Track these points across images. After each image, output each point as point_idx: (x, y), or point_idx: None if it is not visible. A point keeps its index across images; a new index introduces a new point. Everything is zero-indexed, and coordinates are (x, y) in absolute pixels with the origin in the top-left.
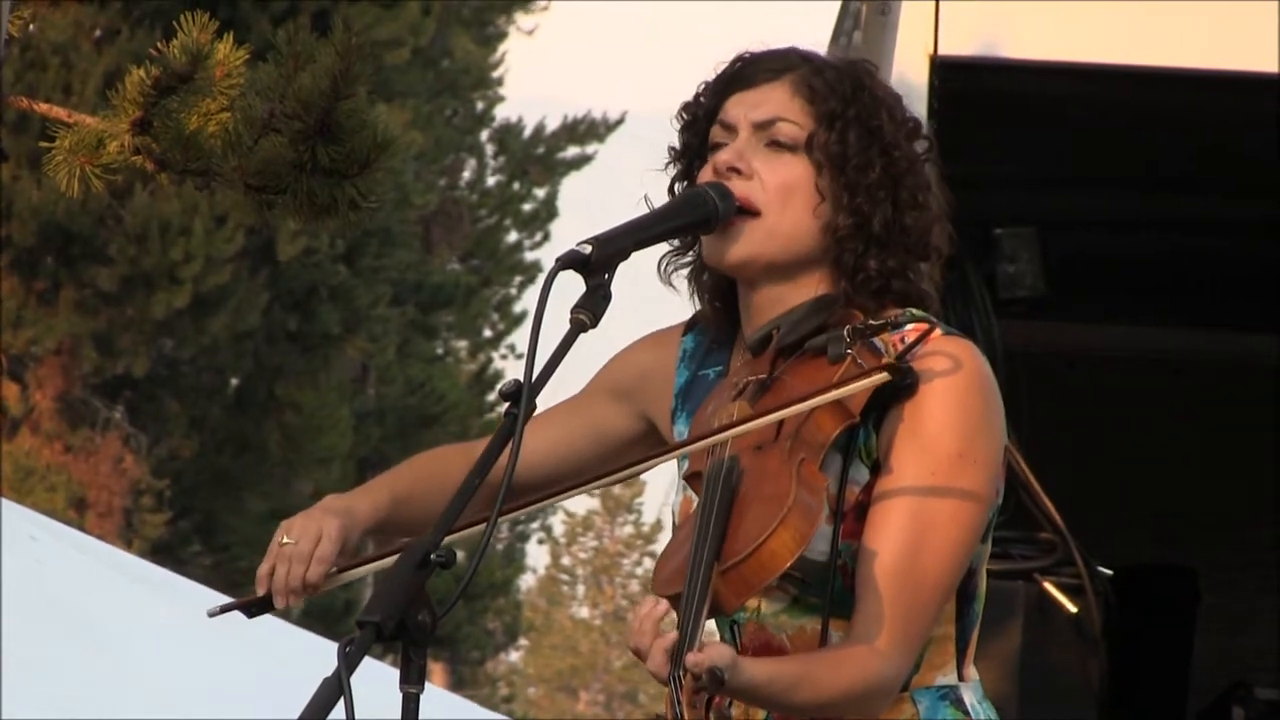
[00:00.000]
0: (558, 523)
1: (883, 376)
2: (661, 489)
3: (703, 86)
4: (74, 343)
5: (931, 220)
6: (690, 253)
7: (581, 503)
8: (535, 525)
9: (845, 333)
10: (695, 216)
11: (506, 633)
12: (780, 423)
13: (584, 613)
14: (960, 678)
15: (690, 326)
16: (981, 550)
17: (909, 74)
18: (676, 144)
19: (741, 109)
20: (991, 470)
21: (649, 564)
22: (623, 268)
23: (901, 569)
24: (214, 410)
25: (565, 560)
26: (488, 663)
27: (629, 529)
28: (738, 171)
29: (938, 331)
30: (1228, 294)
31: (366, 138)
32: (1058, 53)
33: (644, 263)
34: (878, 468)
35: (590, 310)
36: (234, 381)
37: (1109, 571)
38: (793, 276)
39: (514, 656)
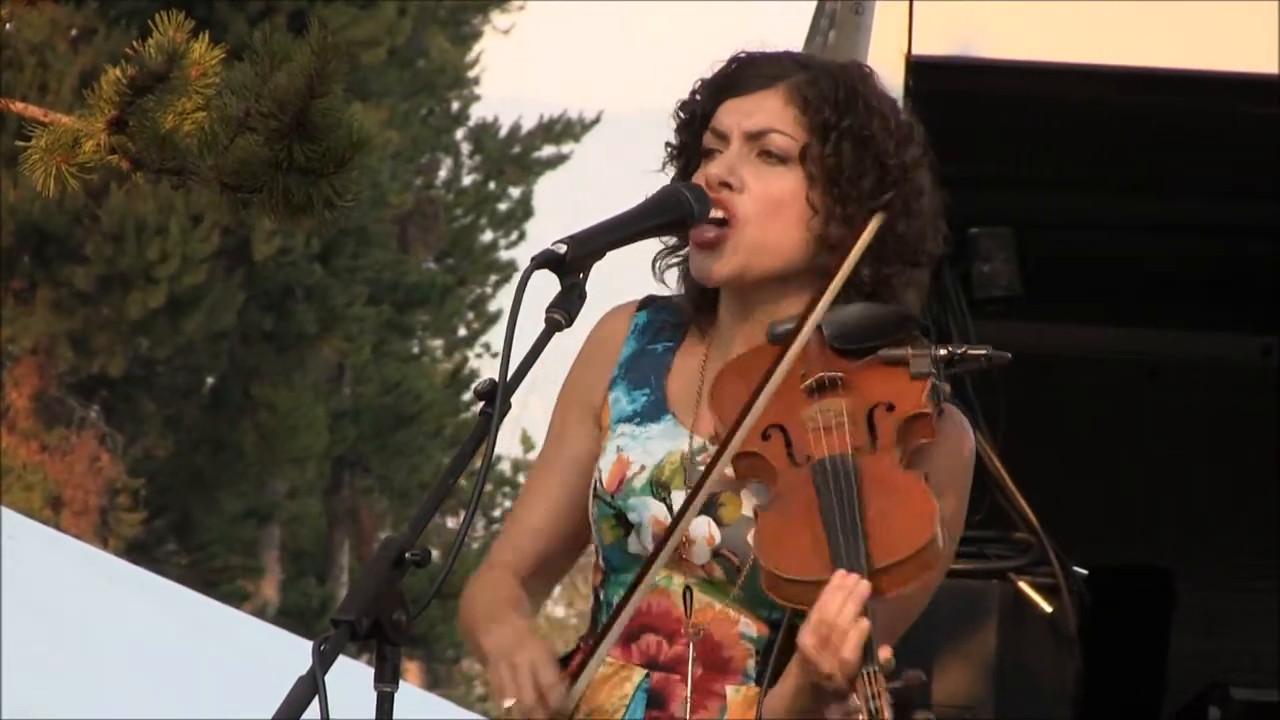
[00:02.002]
0: None
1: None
2: None
3: (699, 84)
4: (50, 342)
5: (924, 226)
6: (683, 251)
7: None
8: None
9: (933, 357)
10: (670, 216)
11: None
12: (872, 427)
13: (560, 612)
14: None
15: (645, 304)
16: None
17: (884, 74)
18: (674, 141)
19: (734, 118)
20: (956, 537)
21: None
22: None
23: (910, 608)
24: (189, 410)
25: None
26: (463, 662)
27: None
28: (728, 186)
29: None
30: (1205, 295)
31: (342, 136)
32: (1033, 52)
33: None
34: None
35: (565, 310)
36: (209, 381)
37: (1084, 572)
38: (784, 285)
39: None
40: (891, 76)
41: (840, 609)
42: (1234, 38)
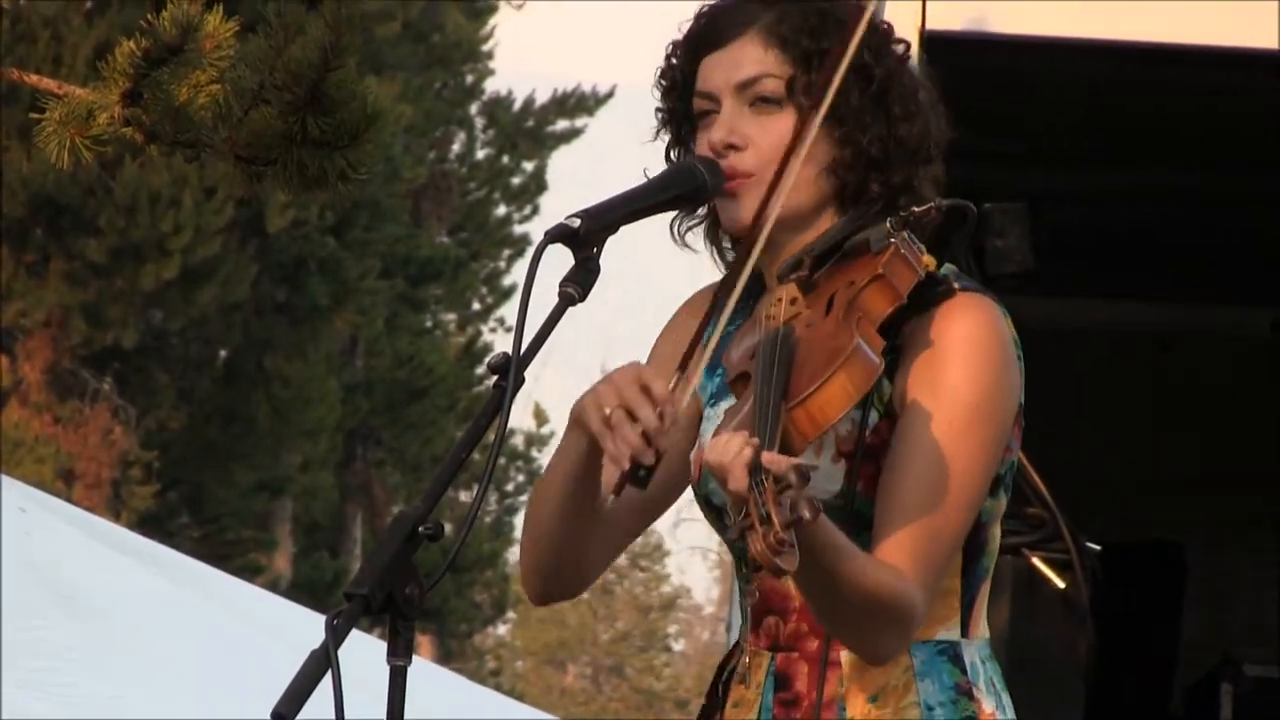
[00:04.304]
0: None
1: (930, 259)
2: None
3: (672, 49)
4: (63, 314)
5: (926, 121)
6: (700, 211)
7: None
8: (524, 498)
9: (888, 223)
10: (684, 189)
11: (494, 606)
12: (830, 302)
13: None
14: (964, 634)
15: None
16: (993, 505)
17: None
18: (662, 109)
19: (719, 74)
20: (1005, 426)
21: (637, 539)
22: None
23: (921, 511)
24: (203, 382)
25: None
26: (475, 636)
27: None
28: (733, 147)
29: (957, 286)
30: (1216, 269)
31: (356, 109)
32: (1047, 27)
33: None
34: (890, 415)
35: (579, 284)
36: (223, 353)
37: (1097, 547)
38: (808, 222)
39: (502, 630)
40: None
41: (724, 445)
42: (1245, 12)
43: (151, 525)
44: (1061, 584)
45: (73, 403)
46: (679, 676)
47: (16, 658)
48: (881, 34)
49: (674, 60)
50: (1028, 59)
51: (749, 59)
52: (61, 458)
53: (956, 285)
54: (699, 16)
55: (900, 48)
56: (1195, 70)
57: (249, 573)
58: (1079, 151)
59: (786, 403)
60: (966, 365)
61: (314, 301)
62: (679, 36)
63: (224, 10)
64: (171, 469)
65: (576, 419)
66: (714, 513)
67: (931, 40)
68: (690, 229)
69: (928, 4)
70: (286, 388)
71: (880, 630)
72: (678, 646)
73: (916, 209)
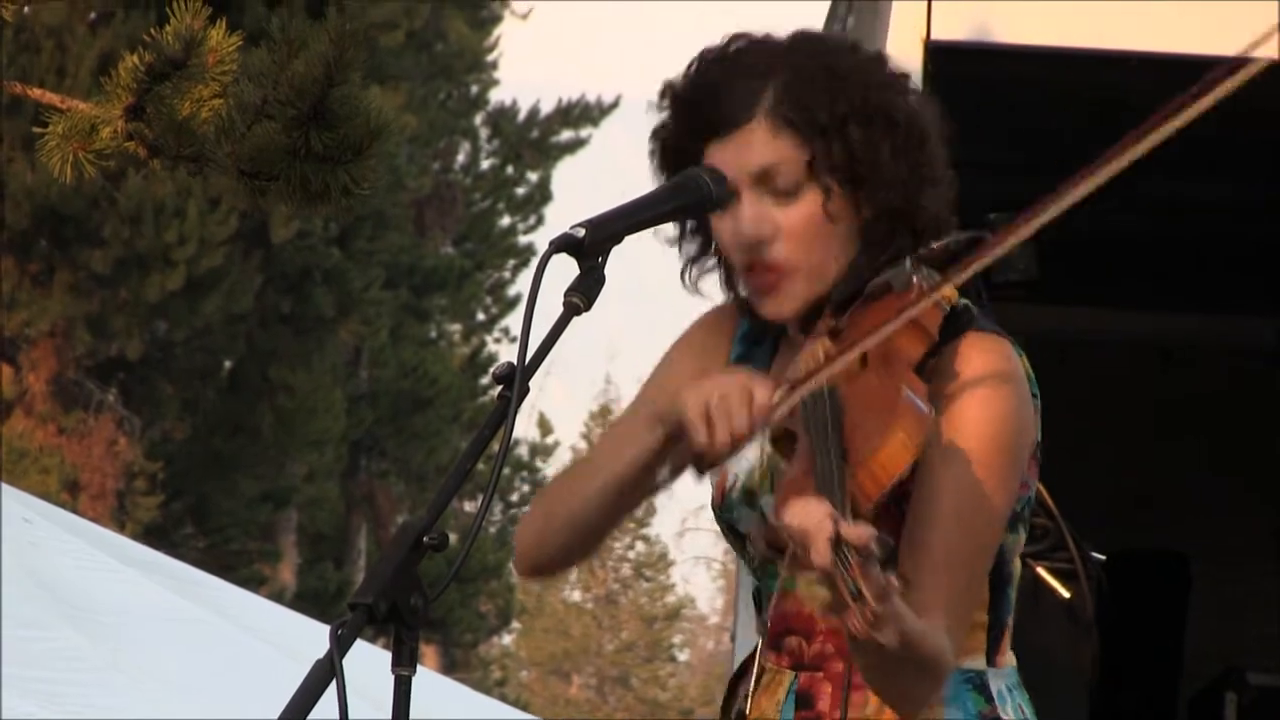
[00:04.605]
0: None
1: (951, 291)
2: None
3: (667, 125)
4: (67, 325)
5: (936, 142)
6: (709, 255)
7: None
8: (528, 509)
9: (907, 262)
10: (689, 199)
11: (499, 616)
12: (864, 356)
13: (576, 596)
14: (990, 663)
15: (743, 309)
16: (1013, 540)
17: (902, 59)
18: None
19: (730, 162)
20: (1022, 463)
21: (641, 547)
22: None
23: (952, 561)
24: (207, 393)
25: None
26: (480, 646)
27: None
28: (765, 243)
29: (974, 328)
30: (1222, 278)
31: (360, 124)
32: (1051, 37)
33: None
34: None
35: (583, 293)
36: (227, 364)
37: (1101, 557)
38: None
39: (506, 640)
40: (910, 62)
41: (803, 510)
42: (1248, 23)
43: (156, 536)
44: (1066, 593)
45: (77, 413)
46: (684, 686)
47: (20, 668)
48: (873, 63)
49: (671, 136)
50: (1032, 69)
51: (760, 147)
52: (66, 468)
53: (976, 315)
54: (696, 89)
55: (895, 74)
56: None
57: (253, 583)
58: (1083, 161)
59: (848, 465)
60: (985, 406)
61: (318, 312)
62: (665, 111)
63: (227, 24)
64: (176, 480)
65: (669, 408)
66: (737, 539)
67: (936, 50)
68: (703, 275)
69: (932, 14)
70: (291, 398)
71: (922, 687)
72: (682, 656)
73: (935, 244)
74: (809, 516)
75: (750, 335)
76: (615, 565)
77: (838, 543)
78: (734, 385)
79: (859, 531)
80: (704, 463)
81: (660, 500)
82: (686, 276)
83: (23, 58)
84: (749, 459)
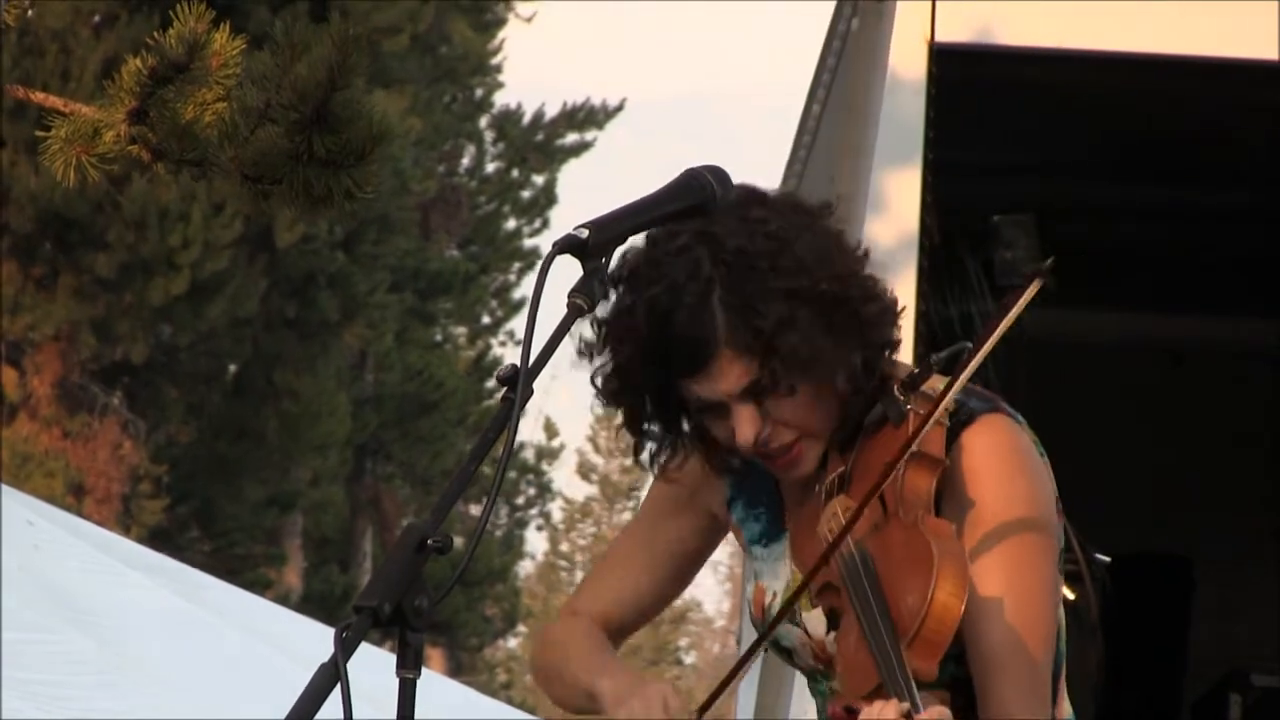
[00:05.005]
0: (556, 509)
1: (948, 404)
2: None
3: (626, 362)
4: (72, 329)
5: (879, 296)
6: (679, 451)
7: (580, 489)
8: (534, 511)
9: (896, 390)
10: (693, 200)
11: (505, 619)
12: (882, 498)
13: None
14: (1054, 716)
15: None
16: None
17: (906, 62)
18: (638, 416)
19: (710, 390)
20: (1053, 526)
21: None
22: None
23: (1017, 658)
24: (212, 397)
25: (564, 547)
26: (486, 649)
27: (627, 515)
28: (777, 441)
29: (969, 424)
30: (1226, 281)
31: (363, 128)
32: (1055, 40)
33: None
34: None
35: (587, 294)
36: (232, 368)
37: (1106, 559)
38: None
39: (512, 643)
40: (914, 64)
41: None
42: (1251, 24)
43: (161, 539)
44: (1071, 595)
45: (82, 417)
46: (690, 690)
47: (25, 672)
48: (792, 234)
49: (634, 374)
50: (1037, 71)
51: (734, 372)
52: (71, 472)
53: (968, 404)
54: (647, 342)
55: (821, 239)
56: (1207, 82)
57: (259, 587)
58: (1089, 163)
59: (902, 640)
60: (1000, 485)
61: (323, 316)
62: (615, 358)
63: (231, 28)
64: (181, 483)
65: (608, 715)
66: (784, 654)
67: (941, 53)
68: (676, 467)
69: (936, 17)
70: (296, 402)
71: None
72: (689, 659)
73: (918, 372)
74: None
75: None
76: None
77: None
78: (656, 709)
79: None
80: None
81: None
82: (652, 467)
83: (26, 61)
84: (784, 570)
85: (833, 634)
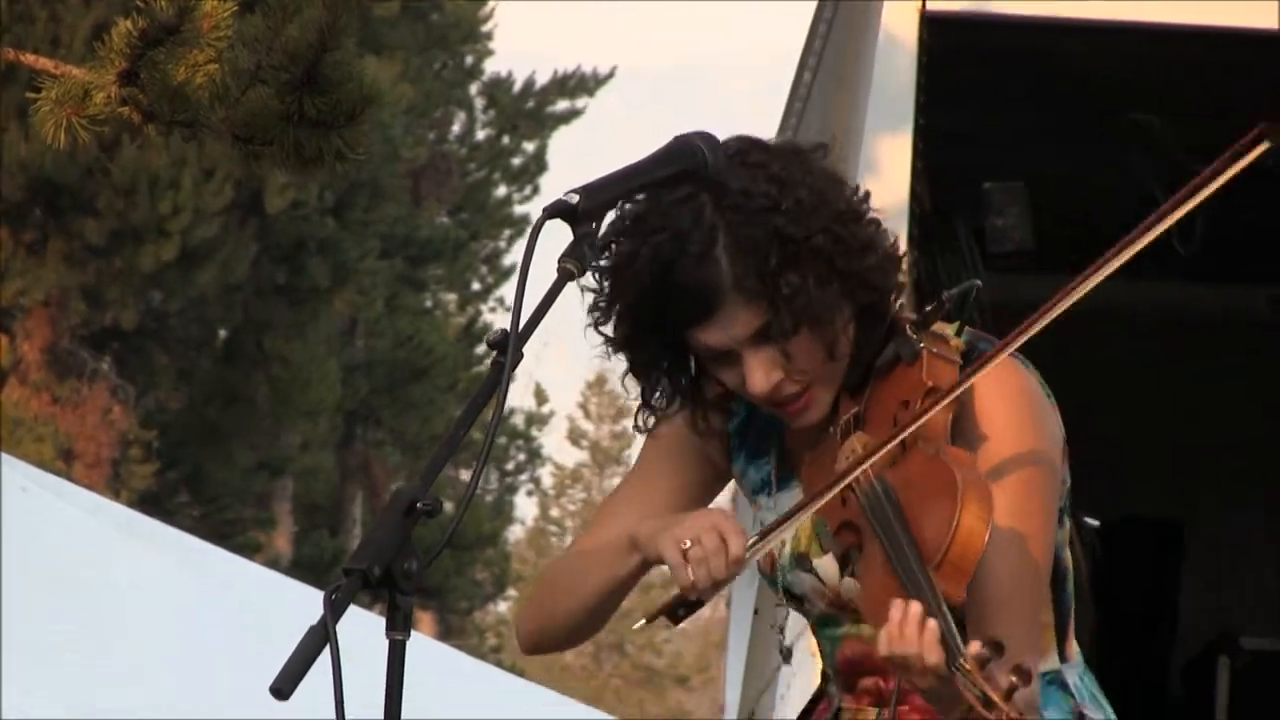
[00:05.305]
0: (546, 474)
1: (957, 340)
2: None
3: (633, 320)
4: (62, 294)
5: (879, 242)
6: (675, 401)
7: (570, 455)
8: (524, 477)
9: (909, 328)
10: (683, 165)
11: (495, 584)
12: (895, 430)
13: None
14: (1062, 658)
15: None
16: (1061, 533)
17: (898, 29)
18: (642, 363)
19: (720, 338)
20: (1057, 468)
21: None
22: None
23: (1018, 592)
24: (202, 362)
25: (554, 512)
26: (476, 613)
27: (617, 480)
28: (789, 387)
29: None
30: (1215, 248)
31: (353, 89)
32: (1046, 7)
33: None
34: None
35: (577, 259)
36: (222, 334)
37: (1095, 523)
38: None
39: (502, 607)
40: (906, 31)
41: (900, 636)
42: None
43: (151, 504)
44: None
45: (71, 382)
46: (680, 653)
47: (18, 636)
48: (795, 174)
49: (639, 326)
50: (1028, 38)
51: (743, 319)
52: (60, 437)
53: (977, 345)
54: (652, 294)
55: (817, 161)
56: (1196, 50)
57: (249, 551)
58: (1079, 131)
59: (928, 565)
60: (1008, 426)
61: (314, 282)
62: (619, 312)
63: None
64: (171, 449)
65: (646, 544)
66: (795, 600)
67: (932, 20)
68: (666, 417)
69: None
70: (286, 368)
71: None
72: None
73: (929, 309)
74: (908, 636)
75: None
76: None
77: (950, 653)
78: (708, 530)
79: (972, 643)
80: (684, 606)
81: None
82: (642, 423)
83: (18, 27)
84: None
85: (847, 578)
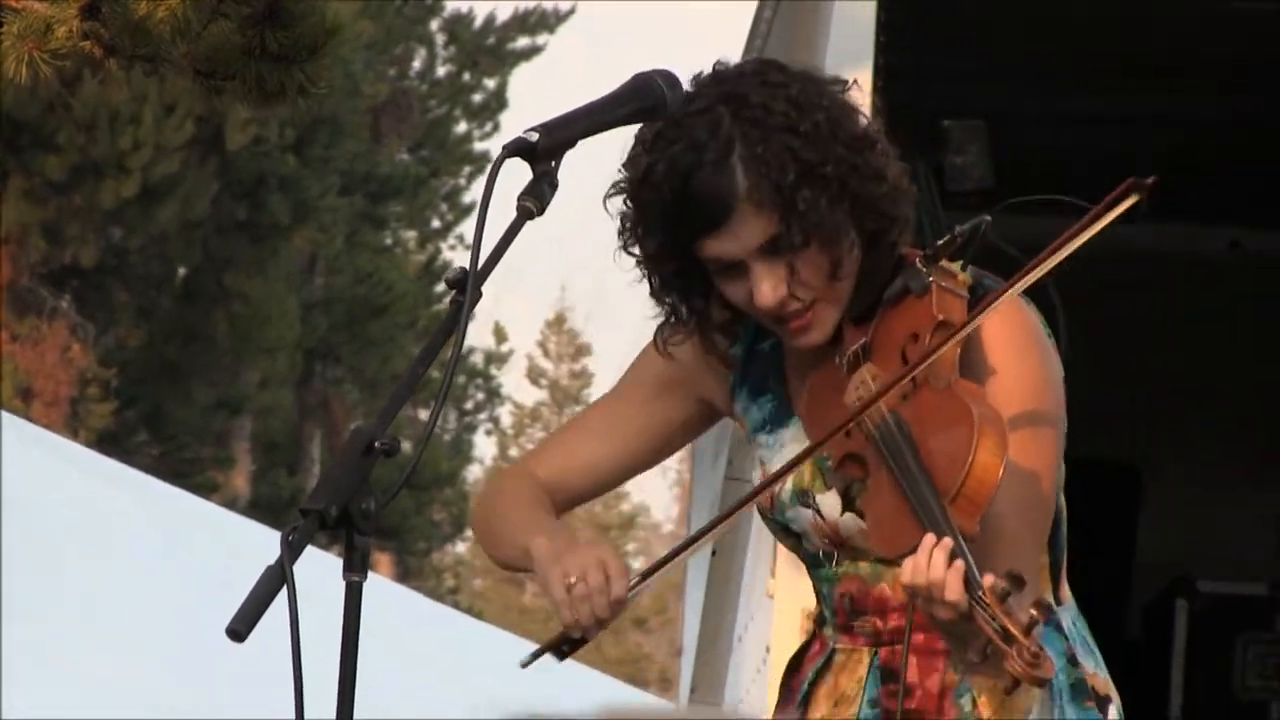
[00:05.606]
0: (505, 414)
1: (964, 275)
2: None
3: (648, 226)
4: (21, 231)
5: (892, 171)
6: (688, 322)
7: (530, 394)
8: (483, 416)
9: (919, 262)
10: (644, 103)
11: (453, 524)
12: (907, 363)
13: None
14: (1056, 601)
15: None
16: (1060, 476)
17: None
18: (655, 270)
19: (730, 248)
20: (1061, 402)
21: None
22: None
23: (1024, 528)
24: (162, 300)
25: (513, 452)
26: (434, 554)
27: None
28: (794, 303)
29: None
30: (1173, 188)
31: (315, 23)
32: None
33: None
34: None
35: (536, 197)
36: (182, 271)
37: None
38: None
39: (460, 548)
40: None
41: (927, 567)
42: None
43: (110, 443)
44: None
45: (30, 320)
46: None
47: None
48: (817, 97)
49: (655, 244)
50: None
51: (754, 228)
52: (19, 375)
53: (983, 282)
54: (667, 204)
55: (844, 89)
56: None
57: (207, 490)
58: (1038, 69)
59: (943, 497)
60: (1017, 362)
61: (274, 219)
62: (637, 225)
63: None
64: (130, 387)
65: (538, 569)
66: (793, 538)
67: None
68: (679, 340)
69: None
70: (246, 305)
71: None
72: (636, 565)
73: (941, 244)
74: (935, 569)
75: (749, 326)
76: None
77: (970, 585)
78: (594, 567)
79: (987, 575)
80: (567, 643)
81: None
82: (660, 343)
83: None
84: (794, 455)
85: (847, 515)
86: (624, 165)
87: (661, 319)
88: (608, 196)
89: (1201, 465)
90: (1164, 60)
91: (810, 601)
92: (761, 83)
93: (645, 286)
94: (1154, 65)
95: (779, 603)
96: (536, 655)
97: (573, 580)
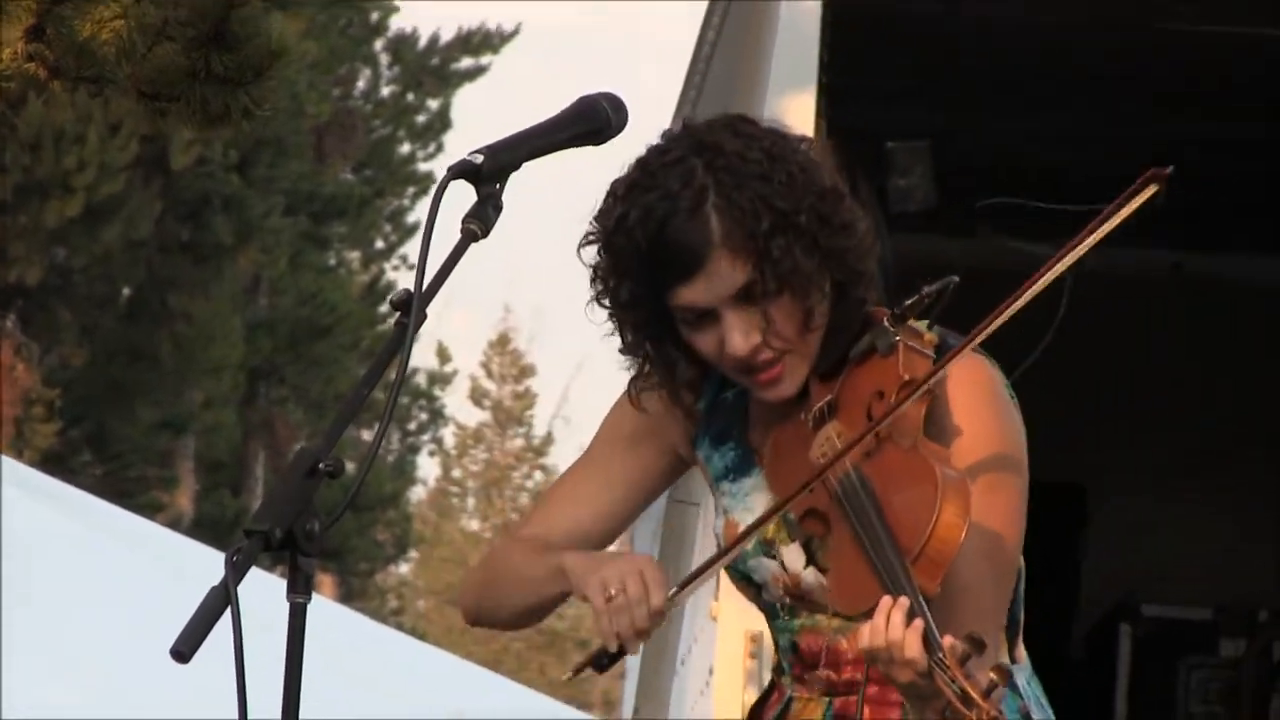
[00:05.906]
0: (448, 434)
1: (930, 335)
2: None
3: (617, 276)
4: None
5: (858, 223)
6: (657, 367)
7: (472, 415)
8: (426, 437)
9: (886, 321)
10: (588, 126)
11: (396, 545)
12: (871, 421)
13: (474, 525)
14: (1012, 659)
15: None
16: (1020, 533)
17: None
18: (623, 320)
19: (703, 295)
20: (1025, 461)
21: (539, 477)
22: None
23: (985, 586)
24: (106, 319)
25: (456, 472)
26: (377, 575)
27: (519, 441)
28: (766, 352)
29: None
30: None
31: (261, 45)
32: None
33: None
34: None
35: (481, 220)
36: (126, 291)
37: None
38: None
39: (404, 569)
40: None
41: (885, 628)
42: None
43: (54, 463)
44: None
45: None
46: (580, 617)
47: None
48: (785, 149)
49: (627, 293)
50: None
51: (729, 275)
52: None
53: (952, 344)
54: (642, 250)
55: (807, 145)
56: (1101, 11)
57: (151, 510)
58: (982, 91)
59: (905, 557)
60: (981, 422)
61: (217, 239)
62: (609, 274)
63: None
64: (74, 407)
65: (574, 581)
66: (753, 588)
67: None
68: (646, 389)
69: None
70: (190, 325)
71: None
72: None
73: (909, 304)
74: (894, 631)
75: (713, 376)
76: (513, 495)
77: (930, 647)
78: (633, 576)
79: (948, 636)
80: (607, 657)
81: (558, 430)
82: (632, 392)
83: None
84: (757, 504)
85: (810, 568)
86: (596, 217)
87: (634, 372)
88: (580, 247)
89: (1146, 488)
90: (1107, 82)
91: (754, 624)
92: (734, 134)
93: (590, 310)
94: (1097, 87)
95: (722, 625)
96: (579, 669)
97: (613, 592)
